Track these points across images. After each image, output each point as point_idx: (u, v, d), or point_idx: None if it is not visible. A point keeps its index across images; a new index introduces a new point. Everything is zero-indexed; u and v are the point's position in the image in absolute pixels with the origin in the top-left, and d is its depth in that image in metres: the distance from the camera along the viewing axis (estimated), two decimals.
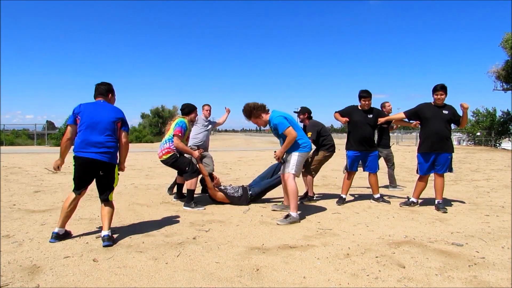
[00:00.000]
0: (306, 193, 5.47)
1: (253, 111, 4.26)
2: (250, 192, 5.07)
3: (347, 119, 5.07)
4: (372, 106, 5.11)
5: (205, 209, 4.76)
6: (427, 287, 2.42)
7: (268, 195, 5.85)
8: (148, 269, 2.71)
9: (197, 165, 4.94)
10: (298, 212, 4.16)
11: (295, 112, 5.72)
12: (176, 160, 4.77)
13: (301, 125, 5.30)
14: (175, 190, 5.60)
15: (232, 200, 5.02)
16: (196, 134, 5.73)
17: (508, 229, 3.82)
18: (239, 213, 4.51)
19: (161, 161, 4.86)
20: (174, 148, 4.78)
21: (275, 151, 4.32)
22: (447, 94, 4.69)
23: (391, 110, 6.39)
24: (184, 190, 5.22)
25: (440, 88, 4.65)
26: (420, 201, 5.01)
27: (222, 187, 5.17)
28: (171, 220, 4.15)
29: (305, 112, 5.54)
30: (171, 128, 4.84)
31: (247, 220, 4.16)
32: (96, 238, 3.44)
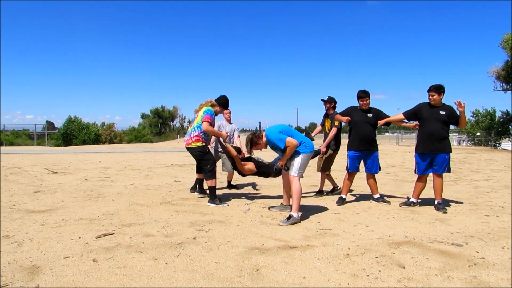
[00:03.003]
0: (334, 189, 5.92)
1: (251, 144, 4.39)
2: (275, 167, 5.02)
3: (349, 118, 5.10)
4: (371, 106, 5.14)
5: (228, 205, 4.94)
6: (427, 287, 2.43)
7: (268, 194, 5.85)
8: (148, 269, 2.71)
9: (225, 146, 5.04)
10: (300, 213, 4.15)
11: (322, 100, 5.82)
12: (204, 153, 4.94)
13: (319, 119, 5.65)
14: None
15: (262, 166, 5.03)
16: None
17: (508, 229, 3.82)
18: (239, 213, 4.52)
19: (187, 147, 4.98)
20: (203, 137, 4.89)
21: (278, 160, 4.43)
22: (443, 94, 4.68)
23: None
24: (205, 186, 5.46)
25: (433, 89, 4.66)
26: (419, 201, 5.01)
27: (253, 156, 5.07)
28: (171, 220, 4.15)
29: (332, 102, 5.74)
30: (199, 116, 4.94)
31: (247, 220, 4.16)
32: (96, 238, 3.44)
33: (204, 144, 4.95)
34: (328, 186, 6.69)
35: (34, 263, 2.81)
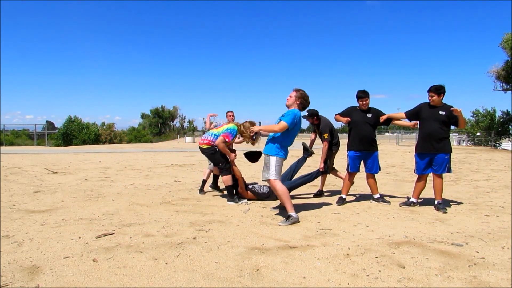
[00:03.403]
0: (320, 192, 5.86)
1: (300, 98, 4.24)
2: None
3: (349, 119, 5.09)
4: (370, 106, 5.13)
5: (248, 203, 5.12)
6: (427, 287, 2.43)
7: None
8: (148, 269, 2.71)
9: (232, 167, 5.28)
10: (295, 212, 4.14)
11: (303, 117, 5.82)
12: (214, 153, 5.19)
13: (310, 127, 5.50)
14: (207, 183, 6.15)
15: (261, 196, 5.35)
16: None
17: (508, 229, 3.82)
18: (239, 213, 4.52)
19: (200, 148, 5.29)
20: (214, 143, 5.17)
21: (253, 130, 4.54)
22: (443, 95, 4.67)
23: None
24: (219, 183, 5.84)
25: (433, 90, 4.66)
26: (420, 201, 5.01)
27: (250, 186, 5.46)
28: (171, 220, 4.15)
29: (313, 116, 5.62)
30: (222, 128, 5.25)
31: (247, 220, 4.16)
32: (96, 238, 3.44)
33: (213, 145, 5.19)
34: (327, 186, 6.69)
35: (34, 263, 2.81)
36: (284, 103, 4.32)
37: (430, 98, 4.70)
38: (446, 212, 4.57)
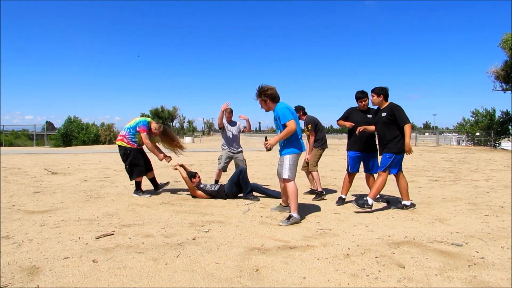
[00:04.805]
0: (314, 190, 5.78)
1: (263, 93, 4.23)
2: (225, 190, 5.50)
3: (353, 124, 5.04)
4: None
5: (151, 196, 5.62)
6: (427, 287, 2.43)
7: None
8: (148, 269, 2.70)
9: (179, 171, 5.65)
10: (298, 213, 4.15)
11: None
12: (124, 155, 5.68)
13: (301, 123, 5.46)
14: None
15: (211, 194, 5.51)
16: (223, 136, 6.32)
17: (508, 229, 3.82)
18: (238, 214, 4.51)
19: (117, 144, 5.80)
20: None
21: (266, 137, 4.34)
22: (383, 96, 4.69)
23: None
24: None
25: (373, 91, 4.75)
26: (420, 201, 5.00)
27: (202, 185, 5.61)
28: (170, 221, 4.15)
29: (299, 110, 5.78)
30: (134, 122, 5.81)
31: (246, 221, 4.16)
32: (96, 238, 3.43)
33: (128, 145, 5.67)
34: (327, 186, 6.69)
35: (34, 263, 2.81)
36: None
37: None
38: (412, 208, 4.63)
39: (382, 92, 4.67)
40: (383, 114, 4.65)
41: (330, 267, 2.75)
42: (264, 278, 2.56)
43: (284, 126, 4.10)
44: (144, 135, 5.60)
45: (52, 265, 2.77)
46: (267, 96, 4.23)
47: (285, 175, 4.15)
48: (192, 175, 5.60)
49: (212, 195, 5.48)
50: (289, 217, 4.04)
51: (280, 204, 4.76)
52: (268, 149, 4.26)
